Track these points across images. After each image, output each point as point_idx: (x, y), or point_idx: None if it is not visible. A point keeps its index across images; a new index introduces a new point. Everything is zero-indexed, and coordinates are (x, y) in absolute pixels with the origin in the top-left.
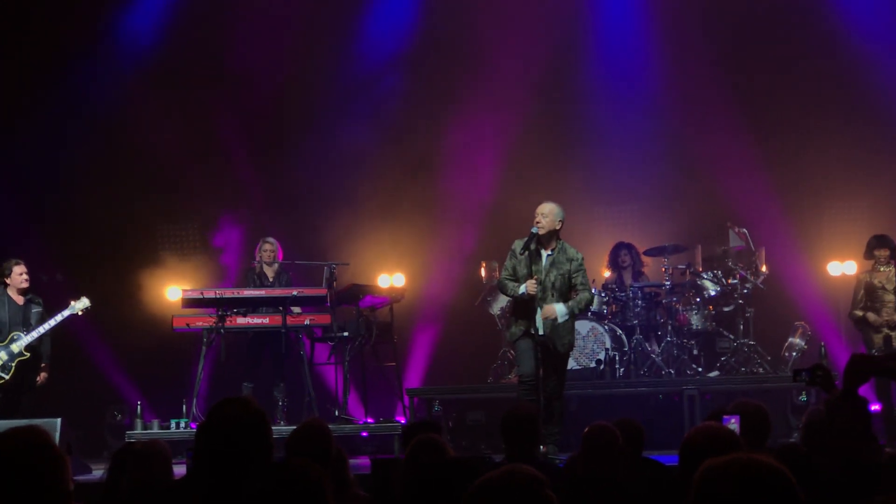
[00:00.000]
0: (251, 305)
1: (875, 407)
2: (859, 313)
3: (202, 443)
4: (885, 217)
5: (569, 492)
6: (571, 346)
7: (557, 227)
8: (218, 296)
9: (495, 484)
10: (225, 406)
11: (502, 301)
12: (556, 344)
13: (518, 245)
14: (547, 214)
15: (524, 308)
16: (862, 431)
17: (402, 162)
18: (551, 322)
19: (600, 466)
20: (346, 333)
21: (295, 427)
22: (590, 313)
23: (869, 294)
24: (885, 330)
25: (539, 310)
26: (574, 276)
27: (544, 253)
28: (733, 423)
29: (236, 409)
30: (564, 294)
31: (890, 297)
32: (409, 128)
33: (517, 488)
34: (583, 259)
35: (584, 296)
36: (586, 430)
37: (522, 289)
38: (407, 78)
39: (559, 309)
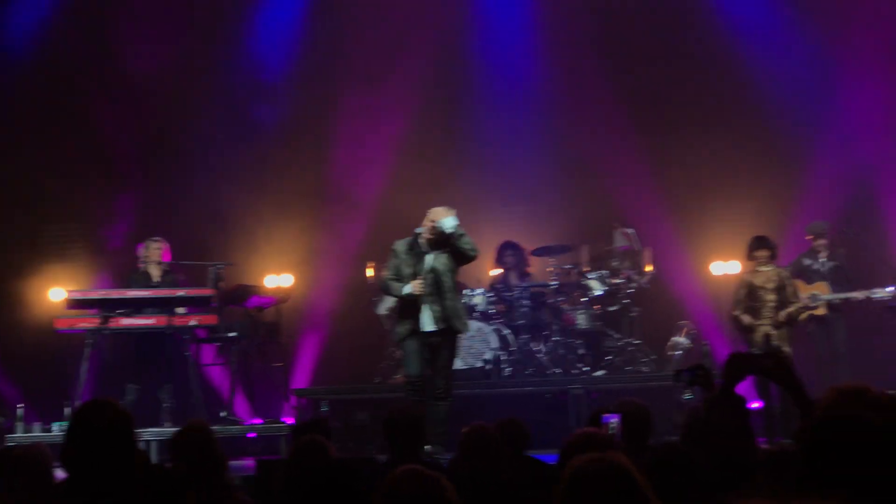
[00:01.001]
0: (136, 306)
1: (756, 405)
2: (740, 315)
3: (66, 447)
4: (767, 218)
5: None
6: (467, 328)
7: None
8: (102, 296)
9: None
10: (86, 410)
11: (389, 301)
12: (453, 323)
13: (399, 245)
14: (437, 218)
15: (410, 308)
16: (739, 429)
17: (290, 163)
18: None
19: (480, 466)
20: (232, 334)
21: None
22: (475, 313)
23: (750, 294)
24: (765, 328)
25: (426, 307)
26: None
27: (428, 252)
28: (614, 422)
29: (97, 413)
30: (452, 290)
31: (771, 296)
32: (297, 129)
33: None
34: None
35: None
36: (464, 430)
37: (408, 288)
38: (295, 79)
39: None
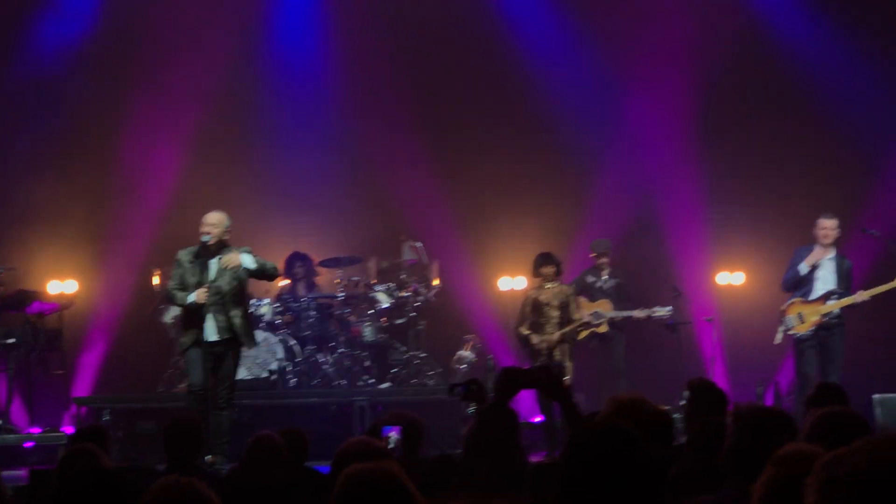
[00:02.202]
0: None
1: (538, 419)
2: (524, 331)
3: None
4: (553, 234)
5: (230, 501)
6: (253, 343)
7: (226, 237)
8: None
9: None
10: None
11: (175, 310)
12: (237, 335)
13: (183, 255)
14: (216, 224)
15: (194, 317)
16: (509, 441)
17: (76, 166)
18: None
19: (262, 475)
20: (11, 340)
21: None
22: (262, 323)
23: (535, 310)
24: (548, 344)
25: (210, 317)
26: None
27: (212, 261)
28: (394, 435)
29: None
30: (239, 298)
31: (555, 312)
32: (82, 130)
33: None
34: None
35: (270, 262)
36: (250, 439)
37: (191, 297)
38: (82, 77)
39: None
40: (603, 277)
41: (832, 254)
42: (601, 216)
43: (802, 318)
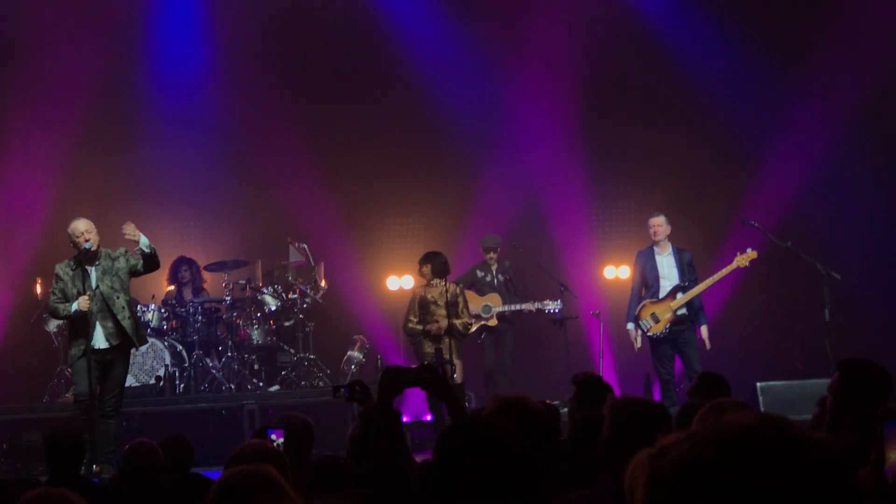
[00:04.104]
0: None
1: (428, 417)
2: (414, 323)
3: None
4: (440, 232)
5: None
6: (145, 340)
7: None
8: None
9: None
10: None
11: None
12: (128, 338)
13: (60, 268)
14: (91, 230)
15: (81, 326)
16: (394, 443)
17: None
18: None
19: (141, 482)
20: None
21: None
22: (149, 329)
23: (422, 308)
24: (435, 341)
25: (97, 324)
26: (130, 258)
27: (91, 268)
28: (274, 437)
29: None
30: (127, 292)
31: (441, 311)
32: None
33: None
34: None
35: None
36: (126, 448)
37: (75, 306)
38: None
39: (142, 238)
40: (492, 272)
41: (669, 250)
42: (487, 212)
43: (657, 318)
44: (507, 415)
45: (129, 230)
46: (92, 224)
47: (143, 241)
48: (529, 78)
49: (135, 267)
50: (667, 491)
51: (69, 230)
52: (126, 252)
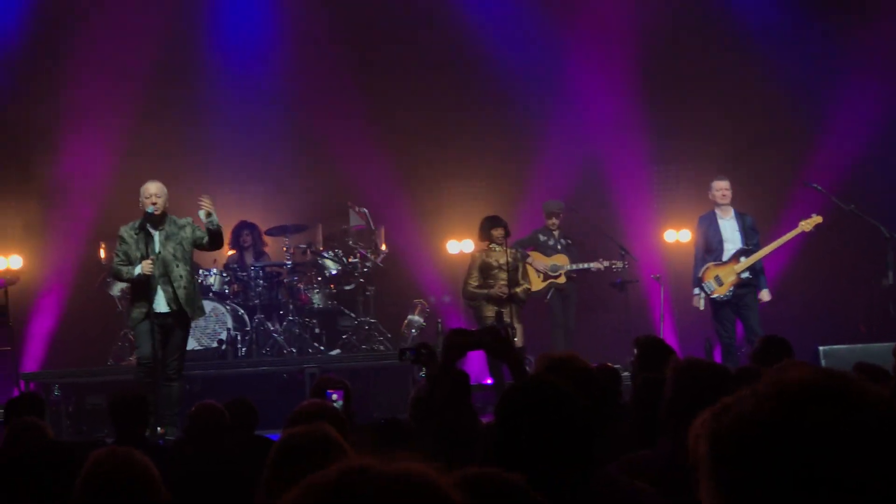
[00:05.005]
0: None
1: (489, 381)
2: (473, 287)
3: None
4: (499, 197)
5: (176, 470)
6: (203, 312)
7: (167, 205)
8: None
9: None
10: None
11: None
12: (186, 305)
13: (125, 230)
14: (160, 194)
15: (143, 290)
16: (459, 404)
17: (16, 142)
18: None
19: (206, 444)
20: None
21: None
22: (211, 293)
23: (483, 272)
24: (496, 305)
25: (159, 288)
26: (196, 230)
27: (155, 232)
28: (335, 398)
29: None
30: (188, 262)
31: (503, 274)
32: (20, 105)
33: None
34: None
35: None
36: (192, 409)
37: (138, 269)
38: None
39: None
40: (555, 236)
41: (731, 214)
42: (547, 177)
43: (720, 281)
44: (559, 373)
45: (207, 203)
46: (163, 188)
47: (214, 217)
48: (588, 42)
49: (200, 240)
50: (727, 447)
51: (141, 189)
52: (193, 223)
